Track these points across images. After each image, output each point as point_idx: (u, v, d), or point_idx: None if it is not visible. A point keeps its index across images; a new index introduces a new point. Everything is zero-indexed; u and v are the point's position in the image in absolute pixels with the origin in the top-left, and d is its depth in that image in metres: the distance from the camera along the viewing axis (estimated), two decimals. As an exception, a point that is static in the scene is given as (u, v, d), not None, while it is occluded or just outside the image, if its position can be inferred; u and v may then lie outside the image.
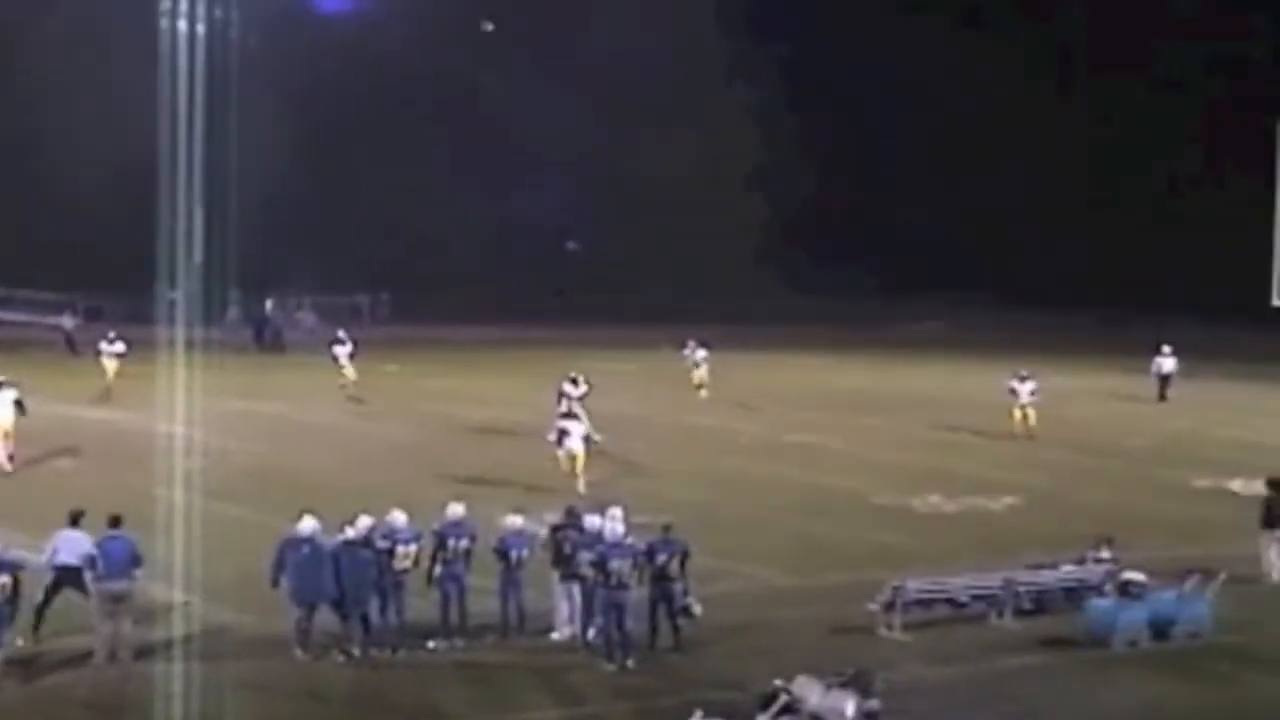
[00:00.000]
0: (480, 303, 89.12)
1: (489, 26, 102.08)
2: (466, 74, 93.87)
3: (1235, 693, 23.81)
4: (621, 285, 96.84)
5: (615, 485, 34.19)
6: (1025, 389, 48.12)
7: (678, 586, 24.55)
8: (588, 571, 24.35)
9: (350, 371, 54.34)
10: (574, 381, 45.02)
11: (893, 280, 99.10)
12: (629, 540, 24.38)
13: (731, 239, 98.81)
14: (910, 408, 55.47)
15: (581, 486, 36.12)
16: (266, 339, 74.55)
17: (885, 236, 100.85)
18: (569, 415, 39.64)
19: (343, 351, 54.77)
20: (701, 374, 56.29)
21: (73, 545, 24.01)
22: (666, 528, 24.92)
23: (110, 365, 53.32)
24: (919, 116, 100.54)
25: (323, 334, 74.65)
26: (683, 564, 24.58)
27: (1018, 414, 47.82)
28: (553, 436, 38.43)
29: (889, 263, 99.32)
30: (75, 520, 24.41)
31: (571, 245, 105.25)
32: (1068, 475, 41.98)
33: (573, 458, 37.61)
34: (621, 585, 23.92)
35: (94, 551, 23.63)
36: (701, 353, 56.72)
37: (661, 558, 24.39)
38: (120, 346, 53.46)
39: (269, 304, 78.30)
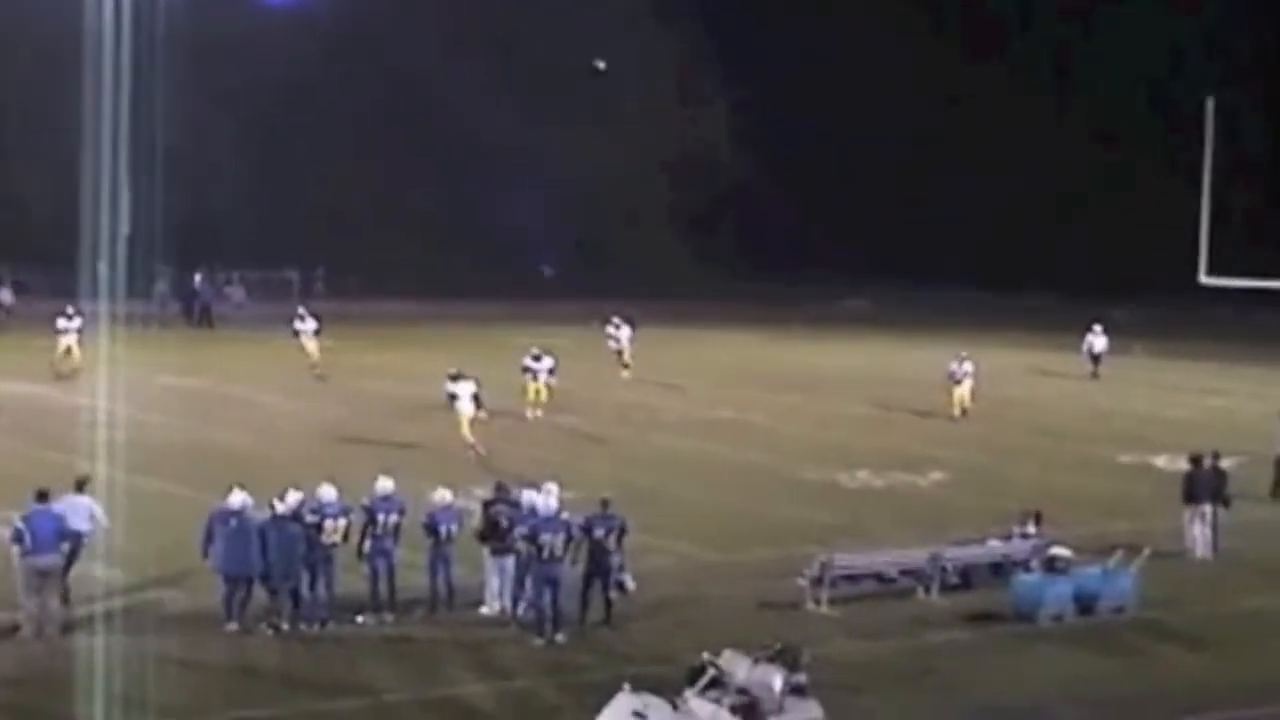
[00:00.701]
0: (415, 280, 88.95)
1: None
2: (407, 67, 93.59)
3: (1158, 668, 24.08)
4: (559, 263, 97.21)
5: (543, 461, 34.24)
6: (964, 369, 48.24)
7: (614, 561, 24.70)
8: (521, 546, 24.49)
9: (314, 350, 53.36)
10: (537, 357, 46.04)
11: (822, 260, 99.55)
12: (564, 515, 24.51)
13: (663, 219, 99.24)
14: (838, 385, 55.73)
15: (469, 437, 38.32)
16: (195, 314, 74.15)
17: (815, 217, 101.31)
18: (458, 378, 40.55)
19: (305, 329, 53.79)
20: (623, 349, 55.73)
21: (79, 511, 24.48)
22: (605, 503, 25.06)
23: (66, 342, 51.58)
24: (848, 98, 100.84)
25: (251, 309, 74.52)
26: (620, 539, 24.73)
27: (956, 394, 47.97)
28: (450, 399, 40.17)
29: (818, 243, 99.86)
30: (80, 487, 24.94)
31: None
32: (996, 452, 42.33)
33: (461, 419, 39.25)
34: (554, 560, 24.04)
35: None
36: (625, 330, 56.25)
37: (599, 532, 24.54)
38: (79, 322, 51.73)
39: (198, 278, 77.81)
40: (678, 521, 31.80)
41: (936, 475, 38.62)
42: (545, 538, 24.03)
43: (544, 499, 24.55)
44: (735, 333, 75.17)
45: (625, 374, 54.20)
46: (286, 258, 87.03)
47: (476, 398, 39.80)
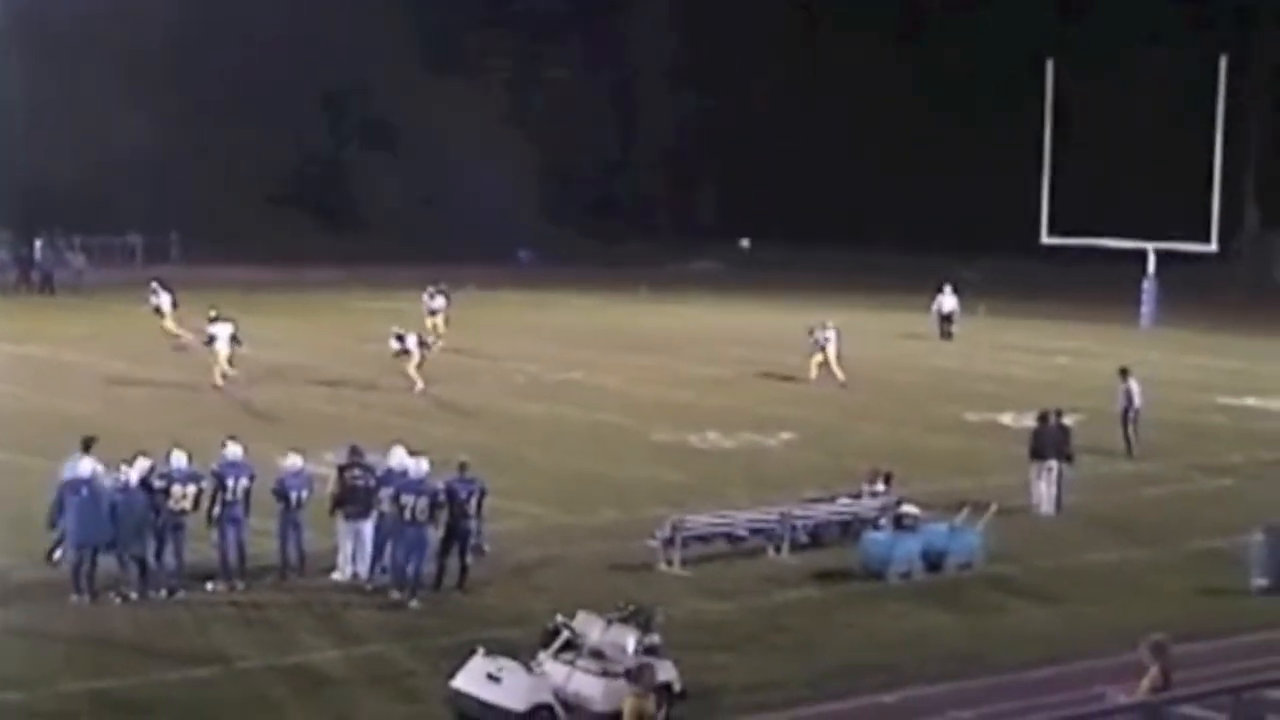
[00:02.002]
0: (265, 246, 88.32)
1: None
2: (259, 32, 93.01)
3: (1004, 621, 24.47)
4: (405, 229, 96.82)
5: (389, 426, 34.08)
6: (826, 335, 47.61)
7: (473, 525, 24.72)
8: (389, 509, 24.46)
9: (170, 324, 52.04)
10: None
11: (676, 221, 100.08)
12: (428, 479, 24.53)
13: (508, 183, 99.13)
14: (690, 347, 55.92)
15: (218, 378, 42.47)
16: (35, 280, 72.98)
17: (670, 178, 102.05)
18: (216, 320, 43.26)
19: (163, 305, 52.42)
20: (439, 322, 52.89)
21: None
22: (463, 465, 25.04)
23: None
24: (708, 61, 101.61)
25: (93, 275, 73.43)
26: (480, 503, 24.75)
27: (815, 360, 47.47)
28: (206, 341, 43.57)
29: (674, 202, 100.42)
30: (87, 447, 24.64)
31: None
32: (845, 412, 42.69)
33: (216, 358, 42.65)
34: (419, 523, 24.08)
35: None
36: (441, 300, 53.57)
37: (461, 496, 24.56)
38: None
39: (38, 244, 76.61)
40: (529, 484, 31.83)
41: (786, 435, 38.90)
42: (409, 499, 24.06)
43: (415, 463, 24.52)
44: (583, 295, 75.27)
45: (439, 345, 49.63)
46: (129, 223, 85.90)
47: (234, 337, 43.03)
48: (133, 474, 23.75)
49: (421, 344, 44.01)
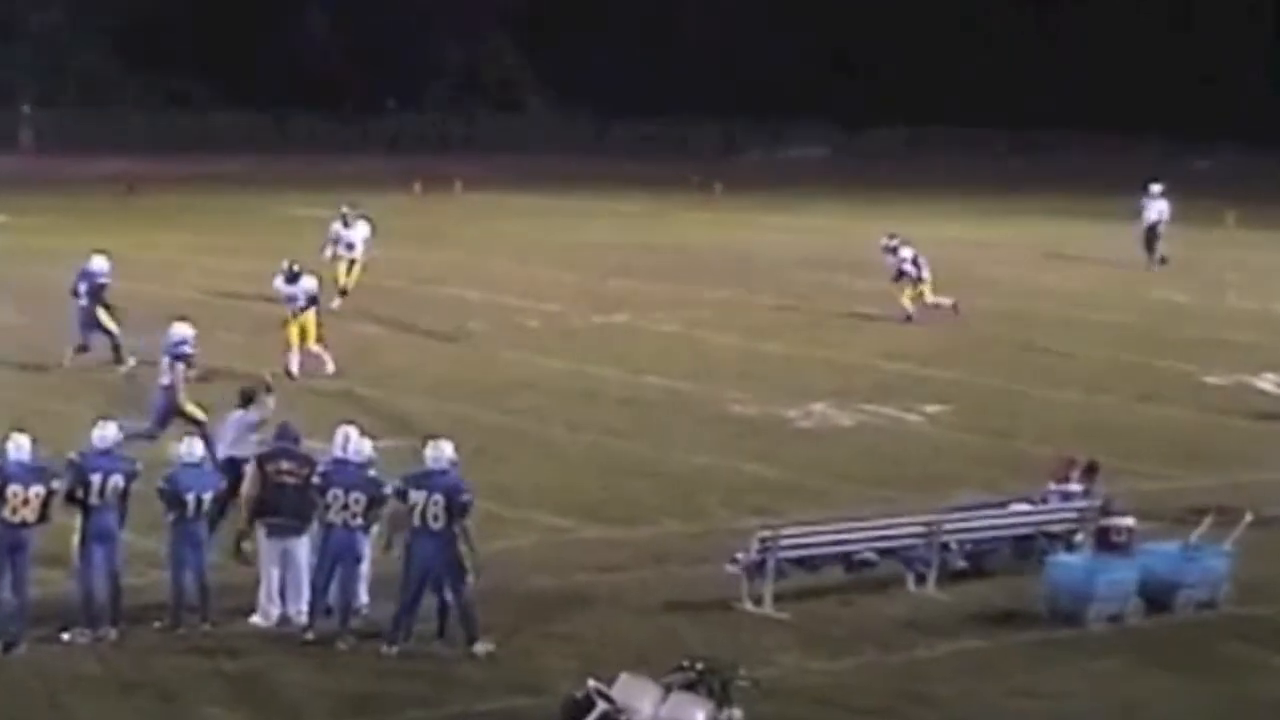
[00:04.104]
0: (136, 128, 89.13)
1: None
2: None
3: (1265, 688, 24.31)
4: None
5: (337, 391, 34.20)
6: (902, 257, 48.61)
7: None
8: (333, 518, 24.50)
9: None
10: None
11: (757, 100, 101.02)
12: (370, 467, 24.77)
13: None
14: (778, 273, 55.92)
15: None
16: None
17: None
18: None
19: None
20: (353, 261, 49.65)
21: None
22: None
23: None
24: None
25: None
26: (461, 508, 24.70)
27: (908, 294, 48.40)
28: None
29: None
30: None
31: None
32: (1017, 372, 42.67)
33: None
34: (349, 527, 24.32)
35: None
36: (361, 229, 50.09)
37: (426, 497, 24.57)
38: None
39: None
40: (545, 480, 31.95)
41: (932, 408, 38.95)
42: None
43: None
44: (614, 200, 75.36)
45: (337, 303, 47.48)
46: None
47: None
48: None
49: (313, 302, 40.88)
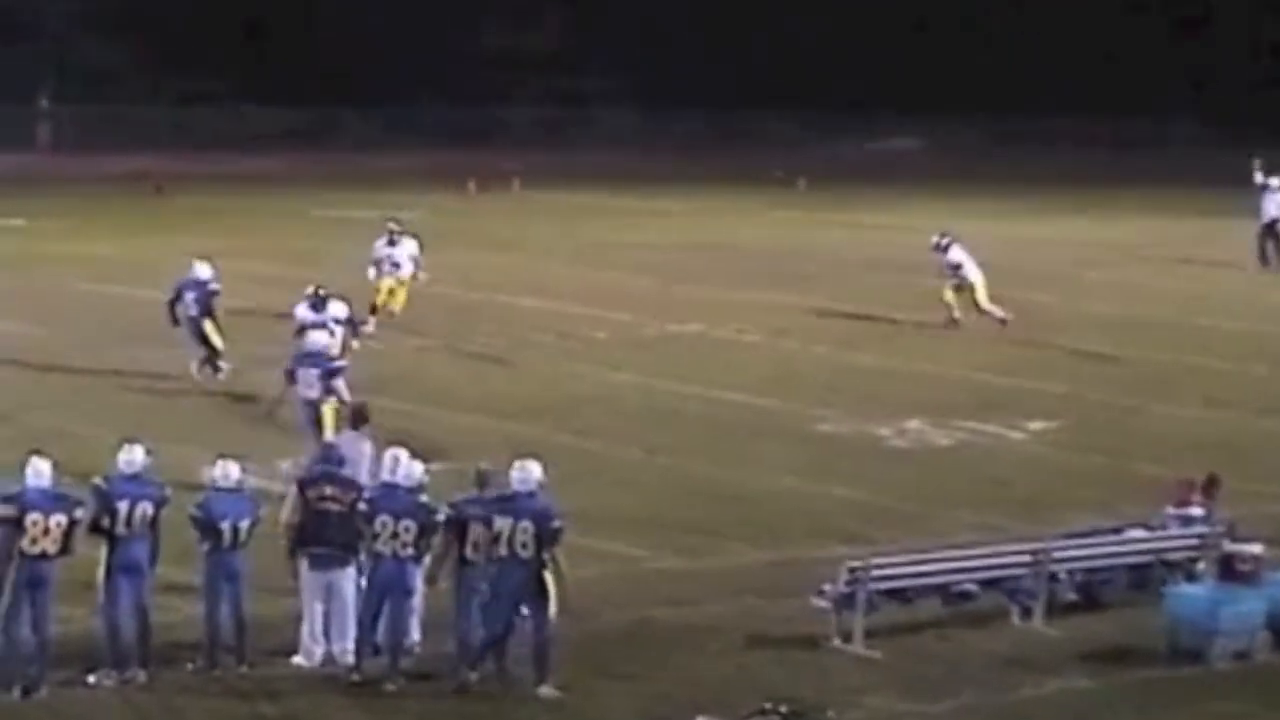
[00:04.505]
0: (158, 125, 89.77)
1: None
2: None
3: None
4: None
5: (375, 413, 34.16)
6: (951, 259, 48.47)
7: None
8: (382, 548, 24.45)
9: None
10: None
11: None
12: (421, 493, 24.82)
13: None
14: (868, 276, 55.91)
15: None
16: None
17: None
18: None
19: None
20: (397, 286, 48.49)
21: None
22: (482, 478, 25.19)
23: None
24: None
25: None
26: (545, 537, 24.71)
27: (950, 295, 48.24)
28: None
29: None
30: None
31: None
32: (1128, 385, 42.53)
33: None
34: (398, 558, 24.34)
35: None
36: (409, 247, 48.80)
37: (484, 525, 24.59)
38: None
39: None
40: (614, 507, 31.92)
41: (1037, 424, 38.87)
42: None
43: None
44: (689, 198, 75.46)
45: (370, 325, 46.11)
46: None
47: None
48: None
49: (351, 323, 40.63)
